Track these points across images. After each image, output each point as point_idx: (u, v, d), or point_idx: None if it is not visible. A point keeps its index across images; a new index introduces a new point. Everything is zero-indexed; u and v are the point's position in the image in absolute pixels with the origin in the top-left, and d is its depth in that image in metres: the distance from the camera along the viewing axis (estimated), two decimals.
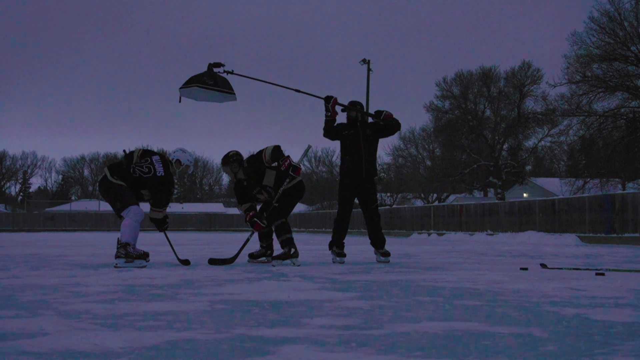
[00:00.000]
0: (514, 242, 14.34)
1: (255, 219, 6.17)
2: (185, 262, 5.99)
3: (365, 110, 6.69)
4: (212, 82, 6.13)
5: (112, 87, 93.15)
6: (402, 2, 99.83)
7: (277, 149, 6.15)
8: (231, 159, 6.34)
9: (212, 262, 6.01)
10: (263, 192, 6.28)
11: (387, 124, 6.50)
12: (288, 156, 6.15)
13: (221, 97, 6.28)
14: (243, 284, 4.07)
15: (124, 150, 6.18)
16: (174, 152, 6.32)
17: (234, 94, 6.29)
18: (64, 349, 1.99)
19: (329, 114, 6.39)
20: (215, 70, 6.22)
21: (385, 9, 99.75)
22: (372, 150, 6.51)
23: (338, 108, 6.45)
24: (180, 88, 6.20)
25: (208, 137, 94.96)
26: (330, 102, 6.36)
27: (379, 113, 6.49)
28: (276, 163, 6.20)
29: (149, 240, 12.05)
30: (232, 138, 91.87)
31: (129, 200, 5.80)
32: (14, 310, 2.85)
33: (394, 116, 6.50)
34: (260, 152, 6.23)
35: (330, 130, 6.46)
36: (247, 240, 6.36)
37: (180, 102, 6.34)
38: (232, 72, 6.29)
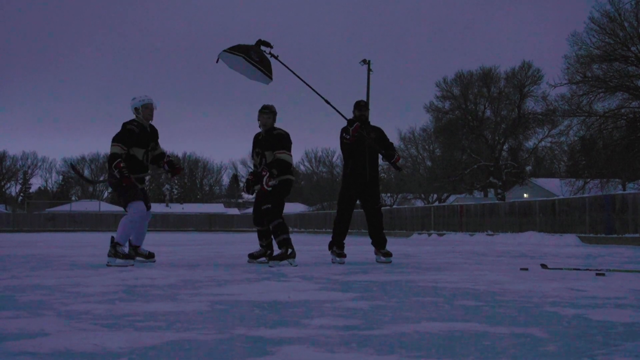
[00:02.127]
0: (514, 243, 14.34)
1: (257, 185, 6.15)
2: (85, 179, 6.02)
3: (368, 109, 6.65)
4: (257, 59, 6.11)
5: (112, 87, 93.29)
6: (402, 2, 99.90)
7: (284, 163, 6.06)
8: (274, 110, 6.26)
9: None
10: (256, 156, 6.30)
11: (386, 153, 6.52)
12: (270, 170, 5.99)
13: (258, 75, 6.23)
14: (243, 284, 4.07)
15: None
16: (130, 105, 6.16)
17: (272, 78, 6.25)
18: (64, 349, 1.99)
19: (348, 137, 6.39)
20: (263, 48, 6.20)
21: (385, 9, 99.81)
22: (375, 155, 6.52)
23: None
24: (225, 51, 6.12)
25: (207, 137, 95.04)
26: (352, 126, 6.34)
27: (390, 155, 6.51)
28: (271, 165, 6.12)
29: (150, 241, 12.04)
30: (231, 138, 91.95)
31: (130, 197, 5.81)
32: (14, 311, 2.85)
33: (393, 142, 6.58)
34: (283, 150, 6.11)
35: (346, 153, 6.51)
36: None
37: (217, 62, 6.26)
38: (276, 57, 6.28)
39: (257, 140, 6.38)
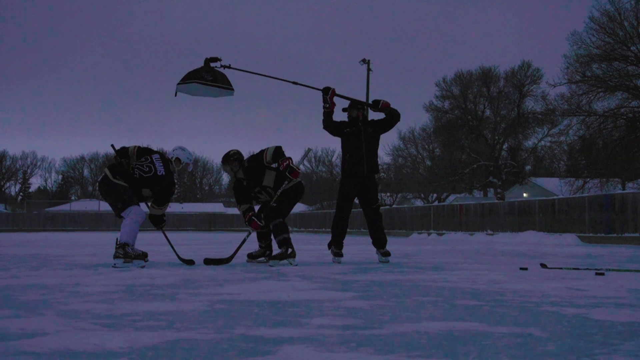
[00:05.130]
0: (513, 242, 14.35)
1: (254, 218, 6.18)
2: (189, 262, 6.00)
3: (364, 108, 6.67)
4: (211, 78, 6.11)
5: (113, 87, 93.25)
6: (402, 2, 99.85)
7: (278, 150, 6.14)
8: (231, 158, 6.34)
9: (208, 262, 6.00)
10: (263, 192, 6.29)
11: (387, 117, 6.49)
12: (288, 157, 6.12)
13: (219, 92, 6.27)
14: (243, 284, 4.07)
15: (112, 145, 6.15)
16: (174, 151, 6.34)
17: (233, 89, 6.29)
18: (64, 349, 1.99)
19: (327, 105, 6.36)
20: (212, 64, 6.21)
21: (385, 9, 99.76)
22: (373, 148, 6.50)
23: (337, 100, 6.44)
24: (179, 84, 6.19)
25: (207, 137, 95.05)
26: (328, 93, 6.33)
27: (376, 103, 6.47)
28: (276, 164, 6.19)
29: (149, 240, 12.05)
30: (232, 138, 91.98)
31: (130, 200, 5.80)
32: (14, 310, 2.85)
33: (392, 106, 6.47)
34: (262, 152, 6.22)
35: (330, 123, 6.44)
36: (244, 240, 6.36)
37: (176, 96, 6.34)
38: (229, 67, 6.28)
39: (244, 186, 6.37)
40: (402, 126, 48.16)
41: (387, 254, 6.47)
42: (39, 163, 69.29)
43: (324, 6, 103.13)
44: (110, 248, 8.71)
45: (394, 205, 40.53)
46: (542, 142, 40.03)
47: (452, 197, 49.45)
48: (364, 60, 28.82)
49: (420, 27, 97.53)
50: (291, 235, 6.28)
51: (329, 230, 6.75)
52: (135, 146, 6.14)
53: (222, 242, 13.97)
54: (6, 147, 76.87)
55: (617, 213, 14.51)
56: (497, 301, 3.18)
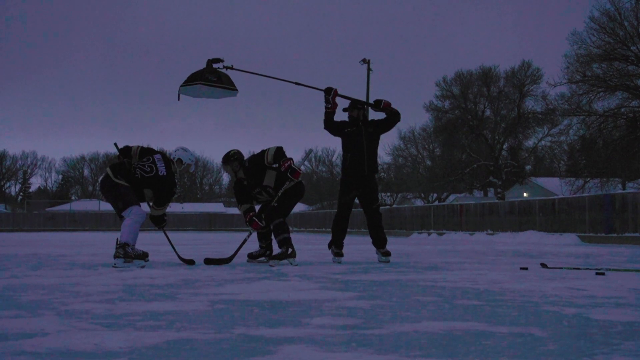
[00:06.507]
0: (514, 242, 14.34)
1: (254, 219, 6.18)
2: (190, 262, 6.00)
3: (363, 108, 6.67)
4: (215, 79, 6.13)
5: (113, 87, 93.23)
6: (402, 2, 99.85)
7: (279, 151, 6.14)
8: (232, 158, 6.35)
9: (209, 261, 6.00)
10: (263, 192, 6.29)
11: (387, 117, 6.50)
12: (290, 158, 6.12)
13: (223, 93, 6.29)
14: (243, 284, 4.07)
15: (115, 144, 6.13)
16: (175, 151, 6.35)
17: (237, 89, 6.31)
18: (64, 349, 1.99)
19: (329, 105, 6.37)
20: (215, 65, 6.22)
21: (385, 9, 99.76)
22: (373, 148, 6.51)
23: (339, 100, 6.45)
24: (182, 86, 6.19)
25: (208, 137, 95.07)
26: (330, 94, 6.34)
27: (378, 102, 6.48)
28: (277, 164, 6.19)
29: (149, 240, 12.05)
30: (232, 138, 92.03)
31: (130, 200, 5.80)
32: (14, 310, 2.84)
33: (393, 106, 6.48)
34: (263, 152, 6.22)
35: (330, 123, 6.45)
36: (245, 240, 6.36)
37: (179, 99, 6.34)
38: (231, 67, 6.29)
39: (244, 186, 6.37)
40: (402, 126, 48.14)
41: (387, 253, 6.47)
42: (39, 163, 69.33)
43: (324, 6, 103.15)
44: (111, 248, 8.72)
45: (394, 205, 40.53)
46: (542, 142, 40.07)
47: (452, 197, 49.44)
48: (364, 60, 28.81)
49: (420, 27, 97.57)
50: (291, 235, 6.29)
51: (329, 230, 6.75)
52: (138, 146, 6.15)
53: (222, 242, 13.96)
54: (6, 147, 76.87)
55: (617, 213, 14.51)
56: (497, 301, 3.18)
